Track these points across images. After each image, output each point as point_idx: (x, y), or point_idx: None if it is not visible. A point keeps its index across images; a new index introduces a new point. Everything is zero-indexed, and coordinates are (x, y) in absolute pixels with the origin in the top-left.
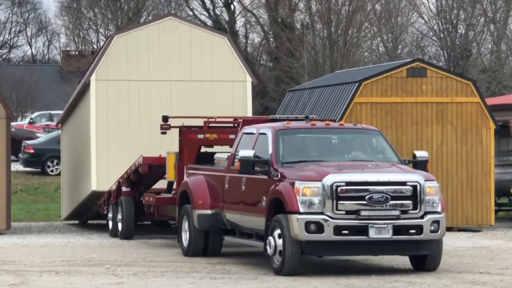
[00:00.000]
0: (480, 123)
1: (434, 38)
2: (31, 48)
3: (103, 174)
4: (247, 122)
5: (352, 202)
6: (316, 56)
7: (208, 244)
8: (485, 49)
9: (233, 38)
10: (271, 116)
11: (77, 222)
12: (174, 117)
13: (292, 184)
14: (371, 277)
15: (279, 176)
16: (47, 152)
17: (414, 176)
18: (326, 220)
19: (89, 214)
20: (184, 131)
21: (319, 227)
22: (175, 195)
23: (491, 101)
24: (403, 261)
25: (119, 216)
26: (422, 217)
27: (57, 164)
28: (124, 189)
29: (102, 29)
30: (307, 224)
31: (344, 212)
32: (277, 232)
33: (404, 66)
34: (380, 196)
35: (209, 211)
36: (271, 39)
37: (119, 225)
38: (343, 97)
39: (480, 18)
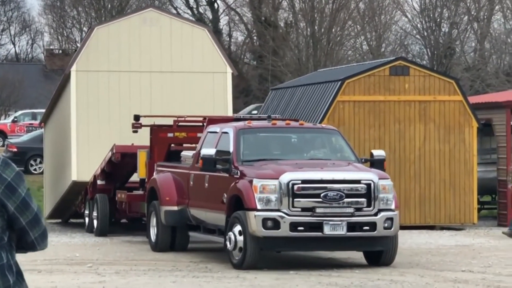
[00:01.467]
0: (463, 122)
1: (417, 36)
2: (14, 47)
3: (84, 165)
4: (212, 121)
5: (308, 200)
6: (300, 54)
7: (175, 239)
8: (469, 48)
9: (217, 36)
10: (235, 115)
11: (59, 220)
12: (145, 116)
13: (251, 181)
14: (353, 275)
15: (239, 174)
16: (30, 151)
17: (368, 175)
18: (282, 217)
19: (71, 211)
20: (155, 129)
21: (276, 224)
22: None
23: (474, 99)
24: None
25: (95, 213)
26: (376, 214)
27: (40, 162)
28: (99, 182)
29: (85, 28)
30: (264, 220)
31: (300, 209)
32: (237, 228)
33: (387, 65)
34: (335, 194)
35: (175, 208)
36: (255, 37)
37: (95, 222)
38: (325, 95)
39: (464, 16)
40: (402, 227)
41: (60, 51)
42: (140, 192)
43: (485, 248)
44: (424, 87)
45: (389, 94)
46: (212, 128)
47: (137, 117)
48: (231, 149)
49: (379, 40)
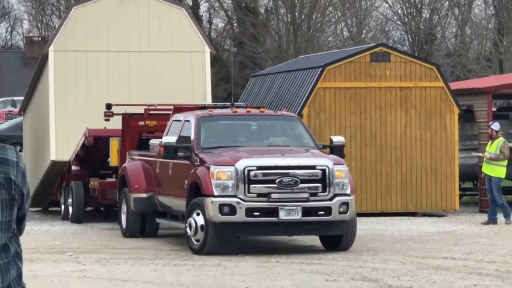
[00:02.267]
0: (444, 108)
1: (398, 22)
2: None
3: (62, 145)
4: (178, 109)
5: (263, 186)
6: (280, 41)
7: (145, 226)
8: (450, 33)
9: (198, 24)
10: (200, 104)
11: (39, 209)
12: (117, 105)
13: (208, 168)
14: (335, 263)
15: (199, 161)
16: (10, 139)
17: (323, 160)
18: (238, 203)
19: (50, 199)
20: (126, 118)
21: (232, 209)
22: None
23: (455, 85)
24: (367, 247)
25: (70, 200)
26: (331, 199)
27: (20, 150)
28: (73, 167)
29: None
30: (221, 206)
31: (255, 195)
32: (196, 214)
33: (368, 51)
34: (290, 179)
35: (144, 195)
36: (235, 24)
37: (70, 209)
38: (306, 82)
39: (445, 2)
40: (384, 214)
41: (40, 39)
42: (113, 179)
43: (466, 235)
44: (405, 74)
45: (370, 81)
46: (176, 116)
47: (109, 106)
48: (192, 137)
49: (360, 26)
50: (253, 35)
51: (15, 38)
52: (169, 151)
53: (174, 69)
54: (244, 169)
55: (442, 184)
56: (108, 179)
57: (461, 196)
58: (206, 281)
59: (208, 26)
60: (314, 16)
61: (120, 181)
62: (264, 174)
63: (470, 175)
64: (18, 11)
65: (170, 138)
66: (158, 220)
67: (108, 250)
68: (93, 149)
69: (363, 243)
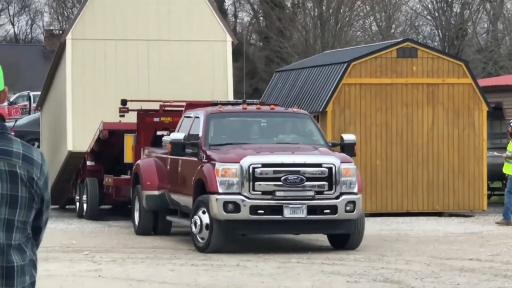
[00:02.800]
0: (472, 105)
1: (428, 17)
2: (13, 27)
3: (80, 135)
4: (190, 106)
5: (268, 183)
6: (307, 35)
7: (158, 223)
8: (481, 29)
9: (222, 17)
10: (212, 100)
11: (57, 206)
12: (131, 101)
13: (214, 165)
14: (357, 263)
15: (206, 158)
16: (28, 134)
17: (330, 158)
18: (243, 200)
19: (67, 196)
20: (141, 114)
21: (236, 207)
22: None
23: (484, 82)
24: (391, 248)
25: (84, 197)
26: (337, 197)
27: (38, 147)
28: (89, 163)
29: None
30: (225, 204)
31: (260, 192)
32: (202, 211)
33: (394, 46)
34: (295, 177)
35: (156, 192)
36: (261, 18)
37: (85, 206)
38: (331, 78)
39: None
40: (410, 214)
41: (60, 32)
42: (127, 176)
43: (494, 236)
44: (433, 70)
45: (396, 77)
46: (188, 113)
47: (124, 102)
48: (201, 134)
49: (389, 21)
50: (279, 30)
51: (36, 31)
52: (176, 147)
53: (195, 58)
54: (249, 167)
55: (470, 184)
56: (123, 176)
57: (489, 196)
58: (223, 282)
59: (234, 20)
60: (342, 10)
61: (133, 178)
62: (269, 172)
63: (499, 174)
64: (39, 4)
65: (177, 135)
66: (168, 217)
67: (125, 249)
68: (108, 143)
69: (388, 243)
